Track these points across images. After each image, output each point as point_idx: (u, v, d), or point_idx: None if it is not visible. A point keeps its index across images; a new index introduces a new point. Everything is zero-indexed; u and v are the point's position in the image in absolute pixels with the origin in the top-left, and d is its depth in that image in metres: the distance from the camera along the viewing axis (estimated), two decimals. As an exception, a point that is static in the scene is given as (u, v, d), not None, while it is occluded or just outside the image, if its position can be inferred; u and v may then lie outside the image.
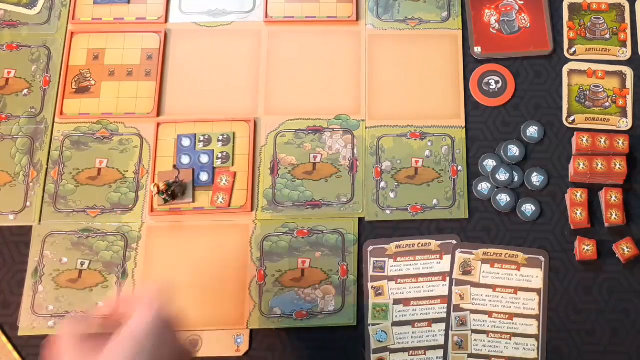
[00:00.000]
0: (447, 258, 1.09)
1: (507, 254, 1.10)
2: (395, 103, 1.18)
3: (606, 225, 1.11)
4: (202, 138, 1.14)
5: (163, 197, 1.08)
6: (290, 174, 1.14)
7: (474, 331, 1.06)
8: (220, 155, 1.14)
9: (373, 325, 1.06)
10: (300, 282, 1.08)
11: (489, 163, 1.15)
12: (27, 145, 1.14)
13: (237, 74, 1.19)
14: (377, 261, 1.09)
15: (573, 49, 1.22)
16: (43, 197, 1.11)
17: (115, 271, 1.08)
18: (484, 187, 1.13)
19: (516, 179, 1.14)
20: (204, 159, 1.13)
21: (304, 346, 1.06)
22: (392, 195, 1.13)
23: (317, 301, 1.07)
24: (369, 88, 1.19)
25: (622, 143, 1.12)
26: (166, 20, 1.22)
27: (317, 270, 1.08)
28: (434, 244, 1.10)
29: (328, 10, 1.23)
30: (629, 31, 1.23)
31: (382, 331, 1.06)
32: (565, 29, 1.23)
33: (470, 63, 1.21)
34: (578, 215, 1.10)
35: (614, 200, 1.10)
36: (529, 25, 1.23)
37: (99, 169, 1.13)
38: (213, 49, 1.20)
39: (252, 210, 1.11)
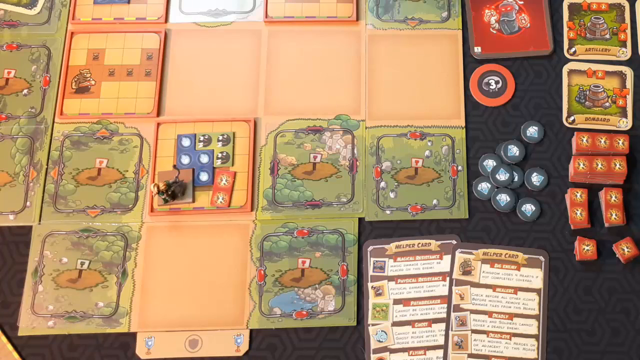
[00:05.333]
0: (447, 258, 1.09)
1: (507, 254, 1.10)
2: (395, 103, 1.18)
3: (606, 225, 1.11)
4: (202, 138, 1.14)
5: (163, 197, 1.08)
6: (290, 174, 1.14)
7: (474, 331, 1.06)
8: (220, 155, 1.14)
9: (373, 325, 1.06)
10: (300, 282, 1.08)
11: (489, 163, 1.15)
12: (27, 145, 1.14)
13: (237, 74, 1.19)
14: (377, 261, 1.09)
15: (573, 49, 1.22)
16: (43, 197, 1.11)
17: (115, 271, 1.08)
18: (484, 187, 1.13)
19: (516, 179, 1.14)
20: (204, 159, 1.13)
21: (304, 346, 1.06)
22: (392, 195, 1.13)
23: (317, 301, 1.07)
24: (369, 88, 1.19)
25: (622, 143, 1.12)
26: (166, 20, 1.22)
27: (317, 270, 1.08)
28: (434, 244, 1.10)
29: (328, 10, 1.23)
30: (629, 31, 1.23)
31: (382, 331, 1.06)
32: (565, 29, 1.23)
33: (470, 63, 1.21)
34: (578, 215, 1.10)
35: (614, 200, 1.10)
36: (529, 25, 1.23)
37: (99, 169, 1.13)
38: (213, 49, 1.20)
39: (252, 210, 1.11)
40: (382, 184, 1.13)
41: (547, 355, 1.05)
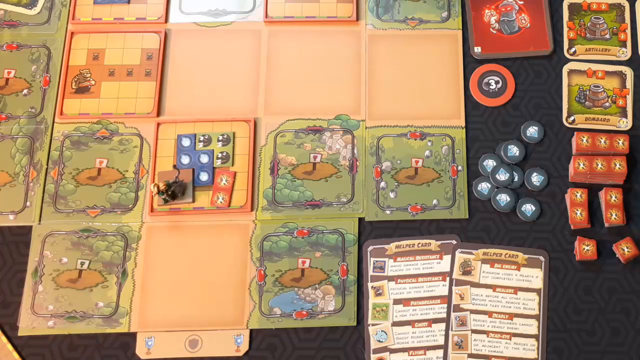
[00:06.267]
0: (447, 258, 1.09)
1: (507, 254, 1.10)
2: (395, 103, 1.18)
3: (606, 225, 1.11)
4: (202, 138, 1.14)
5: (163, 197, 1.08)
6: (290, 174, 1.14)
7: (474, 331, 1.06)
8: (220, 155, 1.14)
9: (373, 325, 1.06)
10: (300, 282, 1.08)
11: (489, 163, 1.15)
12: (27, 145, 1.14)
13: (237, 74, 1.19)
14: (377, 261, 1.09)
15: (573, 49, 1.22)
16: (43, 197, 1.11)
17: (115, 271, 1.08)
18: (484, 187, 1.13)
19: (516, 179, 1.14)
20: (204, 159, 1.13)
21: (304, 346, 1.06)
22: (392, 195, 1.13)
23: (317, 301, 1.07)
24: (369, 88, 1.19)
25: (622, 143, 1.12)
26: (166, 20, 1.22)
27: (317, 270, 1.08)
28: (434, 244, 1.10)
29: (328, 10, 1.23)
30: (629, 31, 1.23)
31: (382, 331, 1.06)
32: (565, 29, 1.23)
33: (470, 63, 1.21)
34: (578, 215, 1.10)
35: (614, 200, 1.10)
36: (529, 25, 1.23)
37: (99, 169, 1.13)
38: (213, 49, 1.20)
39: (252, 210, 1.11)
40: (382, 184, 1.13)
41: (547, 355, 1.05)
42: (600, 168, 1.10)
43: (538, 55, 1.21)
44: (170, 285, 1.07)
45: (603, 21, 1.23)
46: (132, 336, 1.05)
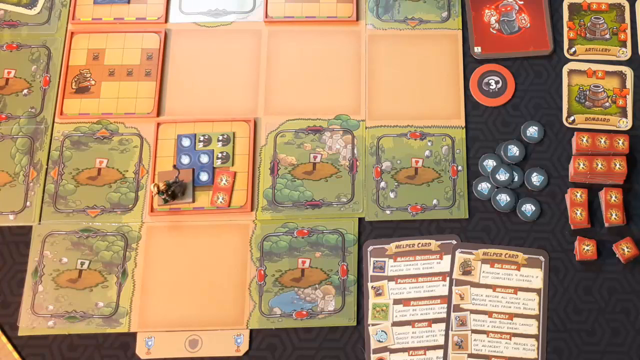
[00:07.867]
0: (447, 258, 1.09)
1: (507, 254, 1.10)
2: (395, 103, 1.18)
3: (606, 225, 1.11)
4: (202, 138, 1.14)
5: (163, 197, 1.08)
6: (290, 174, 1.14)
7: (474, 331, 1.06)
8: (220, 155, 1.14)
9: (373, 325, 1.06)
10: (300, 282, 1.08)
11: (489, 163, 1.15)
12: (27, 145, 1.14)
13: (237, 74, 1.19)
14: (377, 261, 1.09)
15: (573, 49, 1.22)
16: (43, 197, 1.11)
17: (115, 271, 1.08)
18: (484, 187, 1.13)
19: (516, 179, 1.14)
20: (204, 159, 1.13)
21: (304, 346, 1.06)
22: (392, 195, 1.13)
23: (317, 301, 1.07)
24: (369, 88, 1.19)
25: (622, 143, 1.12)
26: (166, 20, 1.22)
27: (317, 270, 1.08)
28: (434, 244, 1.10)
29: (328, 10, 1.23)
30: (629, 31, 1.23)
31: (382, 331, 1.06)
32: (565, 29, 1.23)
33: (470, 63, 1.21)
34: (578, 215, 1.10)
35: (614, 200, 1.10)
36: (529, 25, 1.23)
37: (99, 169, 1.13)
38: (213, 49, 1.20)
39: (252, 210, 1.11)
40: (382, 184, 1.13)
41: (547, 355, 1.05)
42: (600, 168, 1.10)
43: (538, 55, 1.21)
44: (170, 285, 1.07)
45: (603, 21, 1.23)
46: (132, 336, 1.05)
